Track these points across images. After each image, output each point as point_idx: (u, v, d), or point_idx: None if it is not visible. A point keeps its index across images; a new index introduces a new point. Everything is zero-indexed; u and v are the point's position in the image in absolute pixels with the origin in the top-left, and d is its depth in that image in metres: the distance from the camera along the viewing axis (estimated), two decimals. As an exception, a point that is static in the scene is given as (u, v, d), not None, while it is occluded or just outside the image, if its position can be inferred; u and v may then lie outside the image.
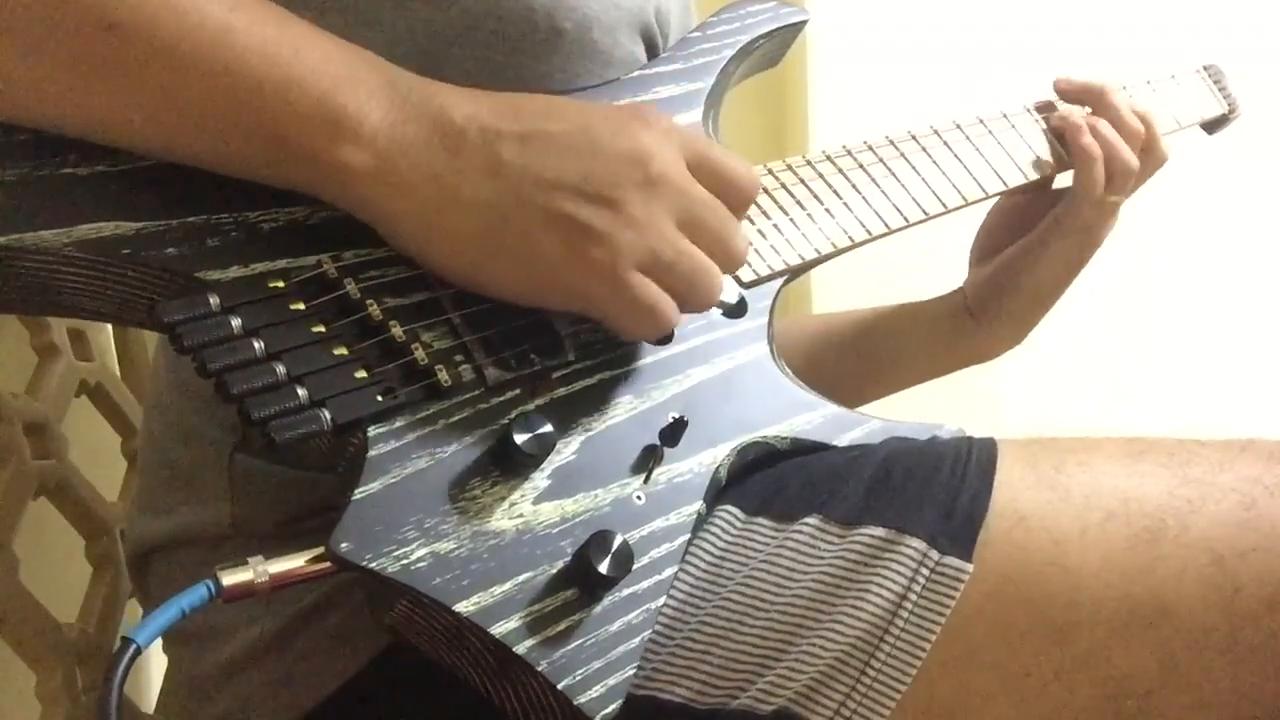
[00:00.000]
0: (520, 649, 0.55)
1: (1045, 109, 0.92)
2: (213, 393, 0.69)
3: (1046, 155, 0.90)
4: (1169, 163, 0.92)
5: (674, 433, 0.63)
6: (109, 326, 0.99)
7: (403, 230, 0.58)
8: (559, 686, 0.55)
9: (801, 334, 0.97)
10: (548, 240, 0.58)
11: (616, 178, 0.59)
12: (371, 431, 0.56)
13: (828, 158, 0.80)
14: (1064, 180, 0.91)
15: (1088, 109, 0.91)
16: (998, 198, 0.90)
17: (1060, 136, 0.90)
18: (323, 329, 0.57)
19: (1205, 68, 1.03)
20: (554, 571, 0.57)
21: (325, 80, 0.56)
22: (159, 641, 0.76)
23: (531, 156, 0.58)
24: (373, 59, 0.59)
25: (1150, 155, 0.90)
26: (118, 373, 0.98)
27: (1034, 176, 0.89)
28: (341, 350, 0.56)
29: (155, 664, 0.91)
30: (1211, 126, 1.04)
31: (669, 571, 0.60)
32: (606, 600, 0.58)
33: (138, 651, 0.50)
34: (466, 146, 0.57)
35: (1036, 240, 0.90)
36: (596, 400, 0.63)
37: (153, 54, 0.54)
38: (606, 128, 0.60)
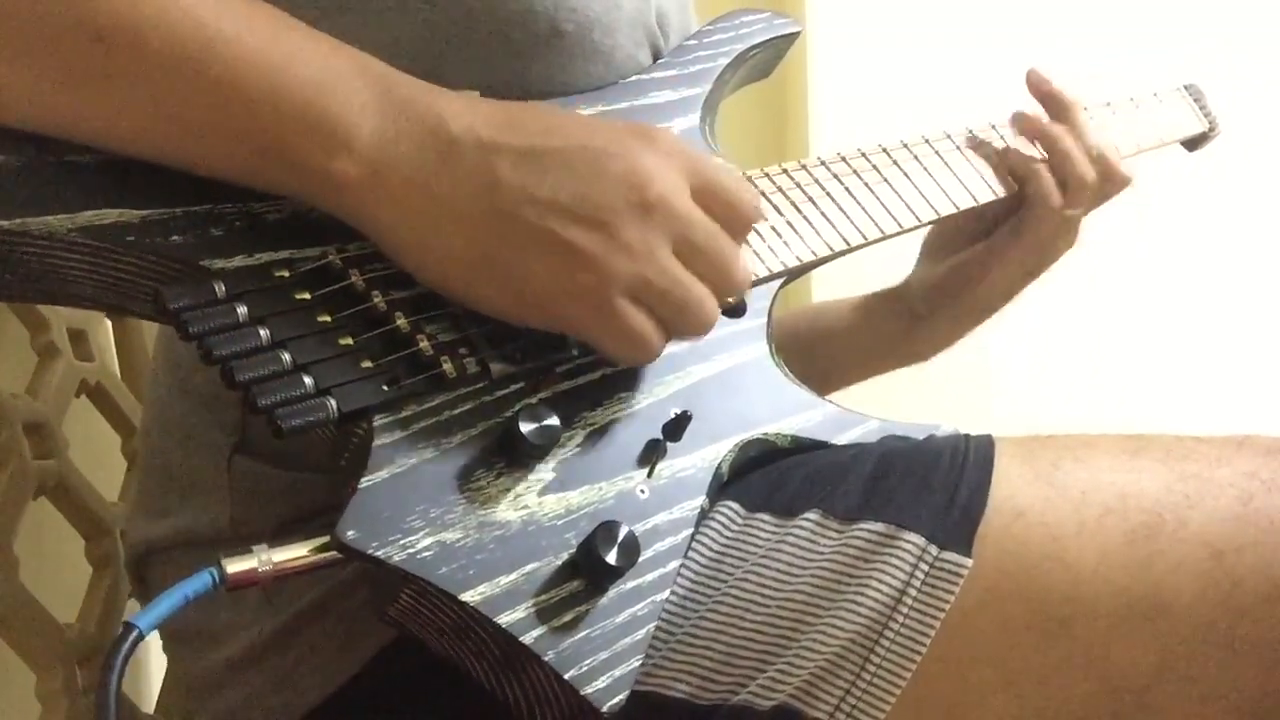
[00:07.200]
0: (527, 639, 0.55)
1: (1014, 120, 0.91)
2: (212, 393, 0.70)
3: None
4: (1165, 161, 0.92)
5: (677, 428, 0.63)
6: (109, 326, 0.99)
7: (395, 242, 0.58)
8: (566, 676, 0.55)
9: None
10: (536, 261, 0.57)
11: (611, 200, 0.58)
12: (377, 421, 0.56)
13: (823, 164, 0.81)
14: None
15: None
16: None
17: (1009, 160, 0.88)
18: (328, 319, 0.57)
19: (1186, 87, 1.04)
20: (560, 562, 0.57)
21: (317, 91, 0.56)
22: (159, 642, 0.77)
23: (527, 174, 0.57)
24: (369, 65, 0.58)
25: (1109, 180, 0.88)
26: (118, 373, 0.98)
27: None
28: (347, 340, 0.57)
29: (155, 664, 0.91)
30: (1192, 144, 1.04)
31: (673, 565, 0.61)
32: (612, 592, 0.58)
33: (140, 637, 0.50)
34: (463, 161, 0.57)
35: (993, 247, 0.88)
36: (599, 395, 0.63)
37: (141, 64, 0.54)
38: (608, 147, 0.59)
